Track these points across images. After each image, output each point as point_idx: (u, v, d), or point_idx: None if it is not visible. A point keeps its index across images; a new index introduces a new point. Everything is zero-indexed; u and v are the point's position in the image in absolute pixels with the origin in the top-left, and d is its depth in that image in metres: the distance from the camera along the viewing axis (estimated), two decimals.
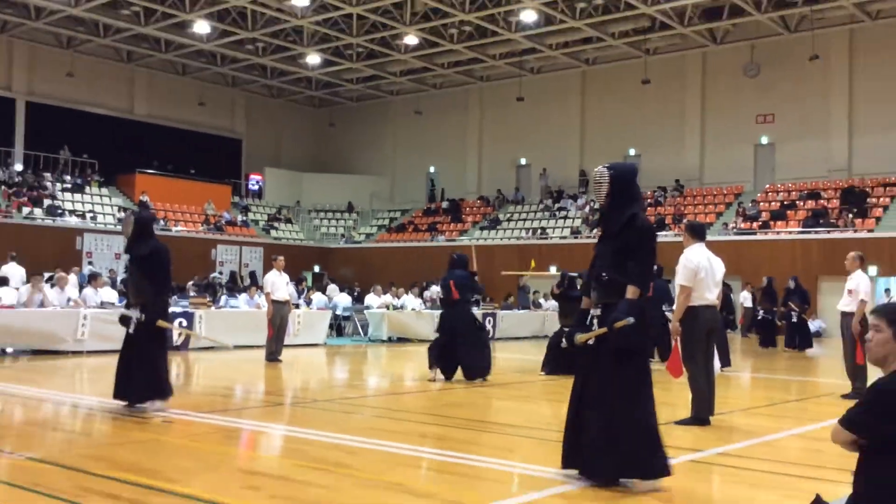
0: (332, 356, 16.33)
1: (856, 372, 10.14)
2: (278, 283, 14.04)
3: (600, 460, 5.12)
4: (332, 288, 23.99)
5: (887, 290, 23.91)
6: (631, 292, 5.17)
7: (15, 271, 18.08)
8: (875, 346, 3.35)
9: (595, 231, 31.06)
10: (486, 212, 36.41)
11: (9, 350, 13.69)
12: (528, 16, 28.59)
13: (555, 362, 12.41)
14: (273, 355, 13.85)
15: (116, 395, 8.01)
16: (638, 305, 5.14)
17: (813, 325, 24.15)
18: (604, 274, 5.31)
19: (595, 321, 5.32)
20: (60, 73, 32.89)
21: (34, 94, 33.05)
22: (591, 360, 5.29)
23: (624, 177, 5.37)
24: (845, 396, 9.99)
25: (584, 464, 5.22)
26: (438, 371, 11.30)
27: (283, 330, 14.14)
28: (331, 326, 20.12)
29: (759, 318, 20.26)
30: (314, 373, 13.56)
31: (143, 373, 7.84)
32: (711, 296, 7.88)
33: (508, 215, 35.39)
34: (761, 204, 29.90)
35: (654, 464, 5.14)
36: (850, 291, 10.15)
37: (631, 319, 5.06)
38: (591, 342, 5.24)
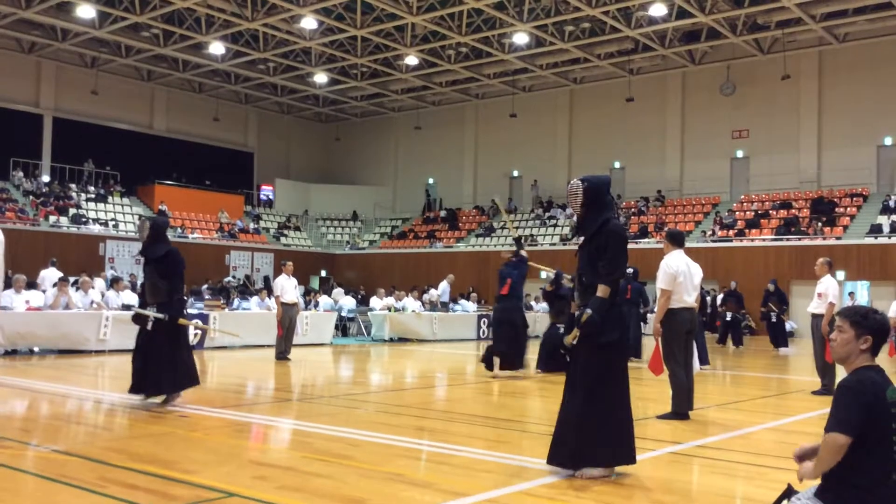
0: (338, 355, 16.31)
1: (825, 370, 10.16)
2: (287, 287, 14.02)
3: (564, 448, 5.13)
4: (338, 291, 23.94)
5: (852, 293, 23.92)
6: (601, 290, 5.17)
7: (52, 275, 18.04)
8: (839, 345, 3.35)
9: (576, 238, 31.11)
10: (481, 220, 36.41)
11: (36, 350, 13.67)
12: (521, 38, 28.64)
13: (549, 359, 12.40)
14: (282, 354, 13.83)
15: (134, 390, 7.96)
16: (606, 302, 5.13)
17: (786, 325, 24.16)
18: (583, 277, 5.33)
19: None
20: (85, 91, 32.88)
21: (60, 111, 33.05)
22: (574, 359, 5.30)
23: (597, 188, 5.40)
24: (815, 392, 9.99)
25: (549, 451, 5.25)
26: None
27: (291, 330, 14.12)
28: (336, 327, 20.11)
29: (728, 319, 20.31)
30: (321, 370, 13.54)
31: (167, 369, 7.81)
32: (690, 298, 7.91)
33: (502, 223, 35.40)
34: (737, 213, 29.93)
35: (616, 453, 5.14)
36: (819, 295, 10.15)
37: (589, 311, 5.07)
38: (575, 342, 5.25)
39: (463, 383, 10.75)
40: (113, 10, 26.51)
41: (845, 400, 3.17)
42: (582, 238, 5.49)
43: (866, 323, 3.30)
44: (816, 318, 10.18)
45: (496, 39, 29.38)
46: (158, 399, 7.99)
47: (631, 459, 5.19)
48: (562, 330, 10.55)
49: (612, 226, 5.30)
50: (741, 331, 20.93)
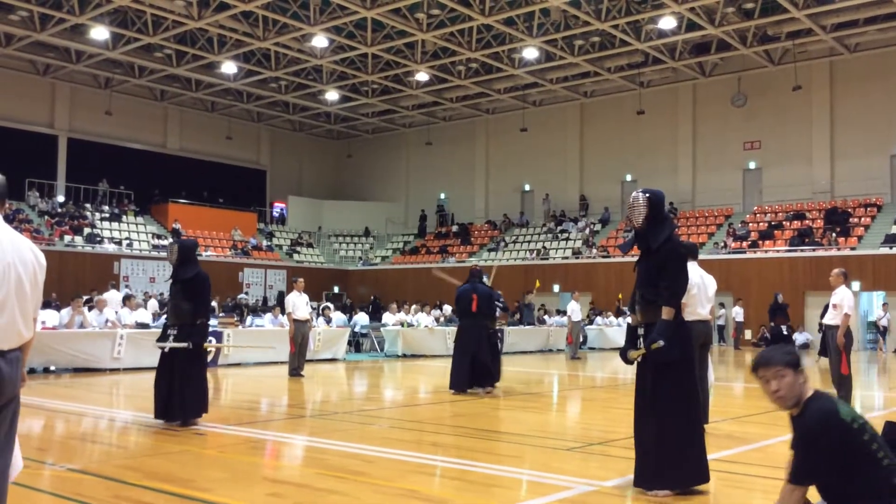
0: (351, 371, 16.31)
1: (841, 381, 10.05)
2: (299, 303, 14.05)
3: (649, 471, 5.12)
4: (361, 316, 23.33)
5: (885, 305, 23.55)
6: (665, 313, 5.17)
7: (115, 297, 18.10)
8: (786, 392, 3.30)
9: (594, 251, 31.09)
10: (493, 235, 36.40)
11: (52, 368, 13.74)
12: (530, 53, 28.72)
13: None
14: (296, 370, 13.84)
15: (162, 416, 7.87)
16: (672, 325, 5.14)
17: (800, 337, 23.98)
18: (643, 293, 5.32)
19: (641, 340, 5.33)
20: (99, 112, 33.20)
21: (75, 131, 33.37)
22: (642, 378, 5.31)
23: (659, 201, 5.39)
24: None
25: (635, 475, 5.22)
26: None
27: (304, 347, 14.13)
28: (349, 343, 20.11)
29: (785, 333, 19.51)
30: (334, 386, 13.54)
31: (193, 393, 7.79)
32: (704, 311, 7.86)
33: (514, 237, 35.37)
34: (750, 224, 29.79)
35: (691, 474, 5.10)
36: (834, 306, 10.06)
37: (661, 343, 5.07)
38: (639, 359, 5.27)
39: (476, 398, 10.71)
40: (126, 32, 26.81)
41: (803, 452, 3.21)
42: (639, 251, 5.47)
43: (797, 359, 3.34)
44: (831, 329, 10.09)
45: (506, 54, 29.49)
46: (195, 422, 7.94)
47: (705, 478, 5.15)
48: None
49: (674, 243, 5.30)
50: (793, 345, 20.49)
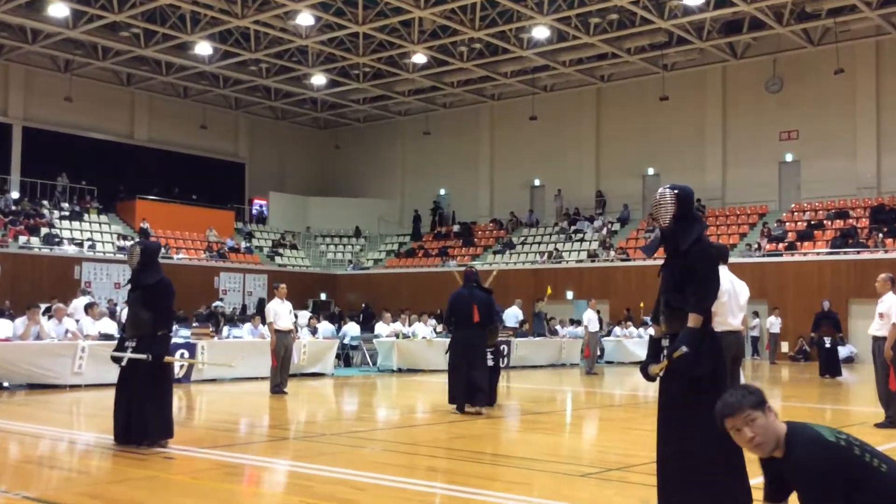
0: (340, 387, 16.30)
1: (889, 398, 10.04)
2: (281, 312, 14.05)
3: (674, 500, 5.10)
4: (351, 326, 23.29)
5: None
6: (692, 320, 5.14)
7: (78, 305, 18.10)
8: (762, 436, 3.37)
9: (612, 253, 31.10)
10: (498, 235, 36.43)
11: (5, 384, 13.72)
12: (541, 32, 28.74)
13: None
14: (278, 387, 13.84)
15: (122, 439, 7.83)
16: (699, 333, 5.12)
17: (843, 350, 23.97)
18: (668, 300, 5.31)
19: (664, 352, 5.30)
20: (58, 98, 33.24)
21: (31, 120, 33.42)
22: (666, 395, 5.30)
23: (688, 197, 5.39)
24: (879, 426, 9.88)
25: (658, 498, 5.20)
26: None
27: (287, 360, 14.13)
28: (338, 356, 20.10)
29: (828, 346, 19.38)
30: (321, 405, 13.54)
31: (155, 413, 7.77)
32: (735, 321, 7.85)
33: (522, 238, 35.39)
34: (787, 224, 29.81)
35: (732, 499, 5.09)
36: (881, 315, 10.05)
37: (685, 349, 5.04)
38: (661, 374, 5.24)
39: (480, 418, 10.71)
40: (88, 9, 26.83)
41: (815, 494, 3.27)
42: (665, 254, 5.45)
43: (762, 396, 3.44)
44: (878, 341, 10.08)
45: (513, 34, 29.52)
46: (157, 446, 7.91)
47: (748, 500, 5.13)
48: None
49: (704, 245, 5.30)
50: (838, 359, 19.85)
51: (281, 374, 13.94)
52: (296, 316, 16.19)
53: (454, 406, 11.17)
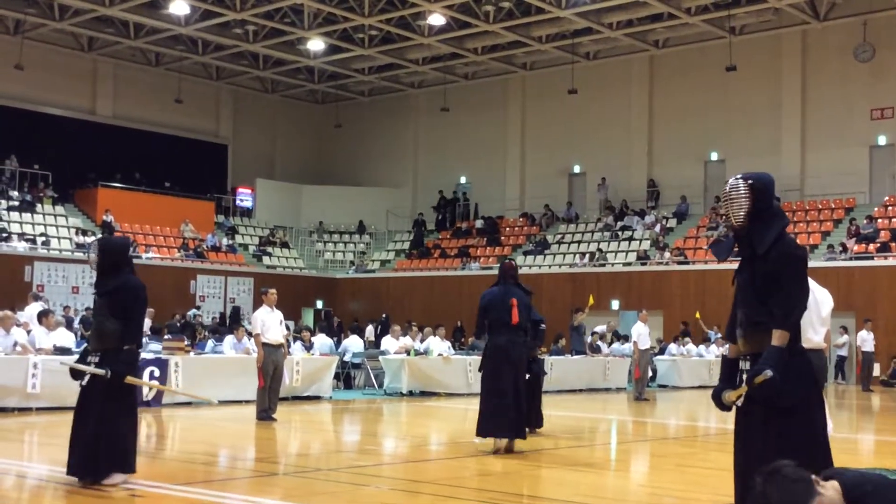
0: (339, 413, 16.30)
1: None
2: (269, 323, 14.04)
3: None
4: (354, 340, 23.33)
5: None
6: (776, 337, 5.07)
7: (29, 312, 18.24)
8: None
9: (667, 255, 30.99)
10: (530, 232, 36.40)
11: None
12: None
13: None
14: (266, 412, 13.86)
15: (73, 471, 7.84)
16: (785, 353, 5.05)
17: None
18: (748, 313, 5.25)
19: (744, 376, 5.23)
20: (6, 66, 33.39)
21: None
22: (744, 424, 5.24)
23: (766, 188, 5.29)
24: None
25: None
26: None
27: (277, 380, 14.13)
28: (337, 376, 20.13)
29: None
30: (316, 434, 13.55)
31: (106, 441, 7.75)
32: (818, 338, 7.79)
33: (559, 237, 35.34)
34: (879, 220, 29.62)
35: None
36: None
37: (769, 373, 4.96)
38: (739, 402, 5.19)
39: (506, 452, 10.67)
40: None
41: None
42: (740, 258, 5.40)
43: (809, 482, 3.67)
44: None
45: None
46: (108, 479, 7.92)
47: None
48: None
49: (787, 245, 5.22)
50: None
51: (269, 398, 13.95)
52: (288, 328, 16.22)
53: (480, 438, 10.45)
